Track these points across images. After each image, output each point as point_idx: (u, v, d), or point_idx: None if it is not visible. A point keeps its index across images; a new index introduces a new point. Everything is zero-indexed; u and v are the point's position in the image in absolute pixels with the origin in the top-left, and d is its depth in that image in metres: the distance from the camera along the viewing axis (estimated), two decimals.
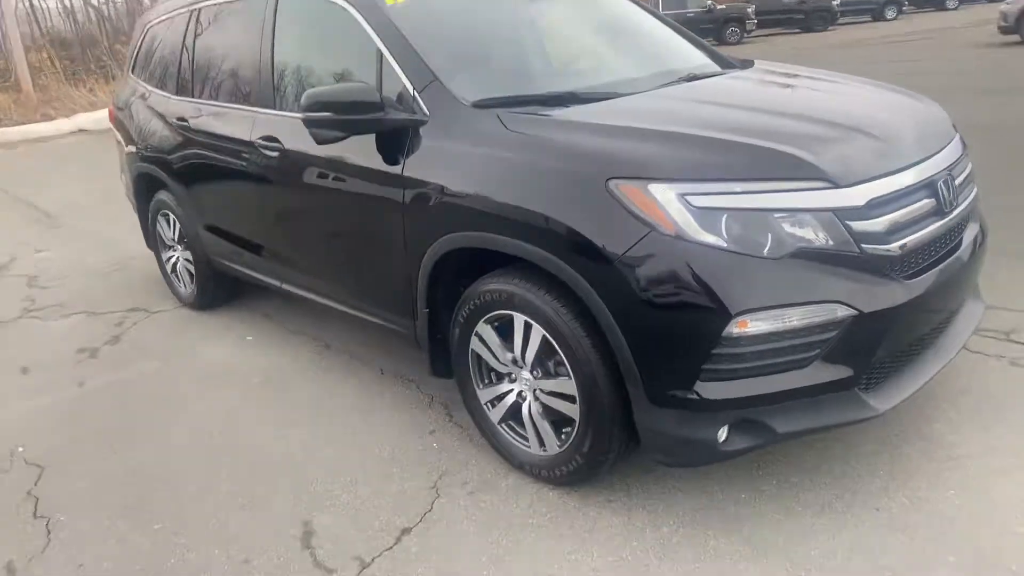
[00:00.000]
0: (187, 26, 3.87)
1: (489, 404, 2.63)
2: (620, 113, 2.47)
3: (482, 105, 2.51)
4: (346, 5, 2.87)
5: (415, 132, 2.57)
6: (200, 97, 3.76)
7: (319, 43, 3.19)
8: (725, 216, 1.99)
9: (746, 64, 3.25)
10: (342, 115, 2.55)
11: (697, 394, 2.04)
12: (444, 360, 2.80)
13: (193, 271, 4.23)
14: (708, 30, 24.68)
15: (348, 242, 2.96)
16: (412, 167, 2.55)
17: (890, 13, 29.95)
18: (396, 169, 2.59)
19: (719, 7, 25.31)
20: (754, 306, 1.96)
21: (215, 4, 3.70)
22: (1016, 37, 15.76)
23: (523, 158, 2.26)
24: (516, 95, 2.60)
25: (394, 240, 2.69)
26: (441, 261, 2.55)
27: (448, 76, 2.58)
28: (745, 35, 25.51)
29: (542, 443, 2.48)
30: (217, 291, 4.28)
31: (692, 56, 3.30)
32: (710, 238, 1.98)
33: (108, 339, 4.12)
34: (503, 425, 2.61)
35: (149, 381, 3.57)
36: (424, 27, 2.77)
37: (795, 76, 3.09)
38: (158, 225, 4.42)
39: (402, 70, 2.63)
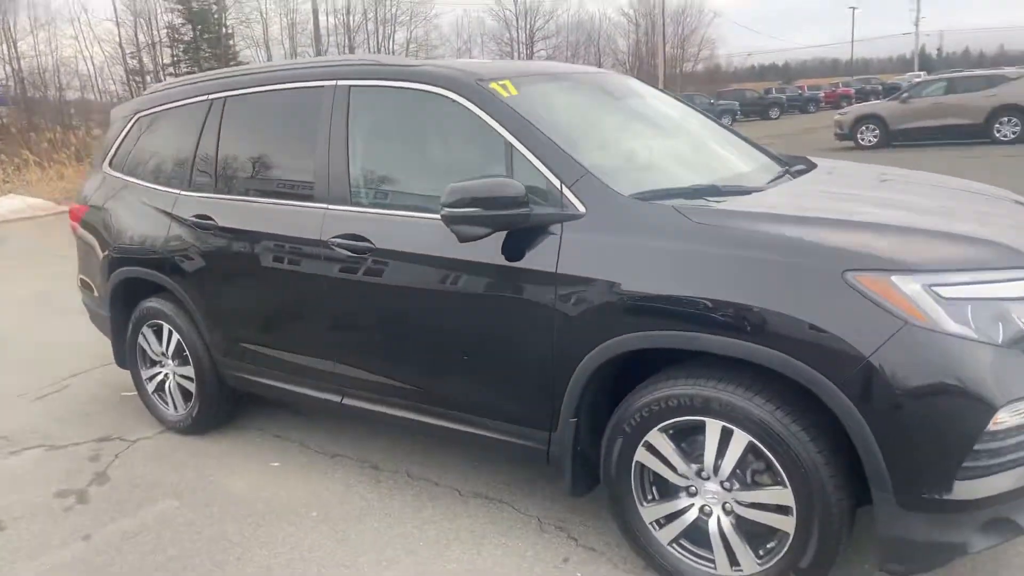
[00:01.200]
0: (206, 116, 3.48)
1: (656, 524, 2.38)
2: (792, 205, 2.43)
3: (643, 198, 2.39)
4: (456, 97, 2.68)
5: (565, 227, 2.39)
6: (229, 193, 3.36)
7: (414, 136, 2.96)
8: (970, 307, 1.95)
9: (807, 161, 3.33)
10: (490, 211, 2.33)
11: (955, 495, 1.93)
12: (584, 477, 2.54)
13: (194, 389, 3.67)
14: None
15: (465, 348, 2.66)
16: (569, 264, 2.35)
17: (725, 120, 33.32)
18: (546, 267, 2.38)
19: None
20: (1013, 398, 1.91)
21: (249, 93, 3.36)
22: (851, 143, 17.85)
23: (727, 252, 2.14)
24: (663, 188, 2.50)
25: (535, 343, 2.44)
26: (603, 365, 2.33)
27: (598, 169, 2.45)
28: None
29: (734, 562, 2.26)
30: (221, 411, 3.74)
31: (758, 153, 3.36)
32: (960, 329, 1.92)
33: (91, 478, 3.44)
34: (674, 546, 2.36)
35: (175, 526, 2.98)
36: (548, 120, 2.63)
37: (878, 171, 3.22)
38: (140, 338, 3.84)
39: (544, 164, 2.47)
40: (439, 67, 2.85)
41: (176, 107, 3.70)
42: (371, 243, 2.78)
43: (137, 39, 29.66)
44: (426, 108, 2.82)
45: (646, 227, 2.29)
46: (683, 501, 2.33)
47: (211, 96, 3.51)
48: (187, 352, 3.63)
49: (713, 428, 2.19)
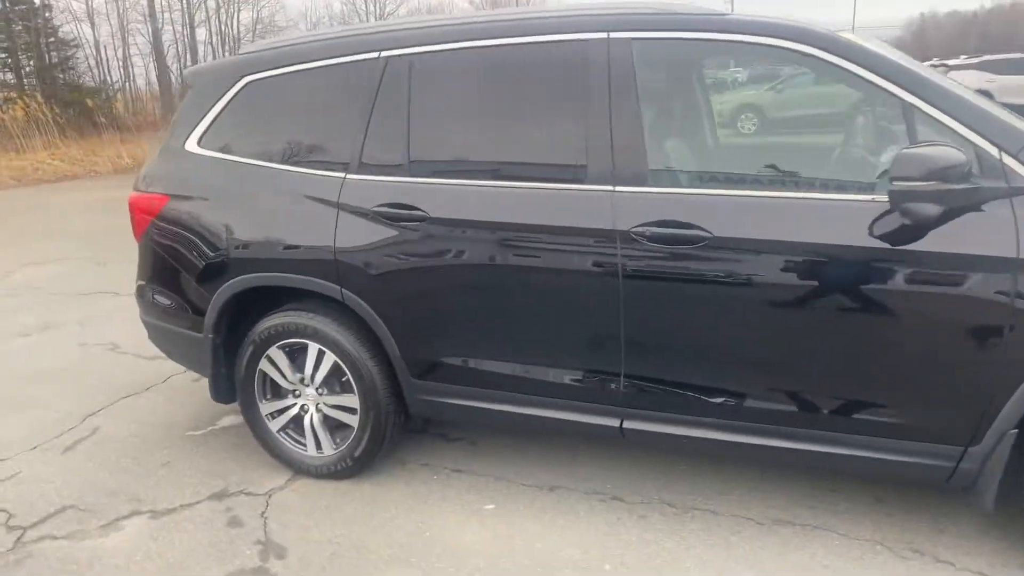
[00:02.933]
0: (380, 79, 2.74)
1: None
2: None
3: None
4: (814, 51, 2.22)
5: (1017, 203, 2.02)
6: (435, 176, 2.66)
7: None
8: None
9: None
10: (948, 184, 1.93)
11: None
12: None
13: (357, 421, 2.92)
14: None
15: (856, 355, 2.21)
16: None
17: None
18: (999, 251, 2.00)
19: None
20: None
21: (454, 50, 2.66)
22: (731, 130, 18.73)
23: None
24: None
25: (972, 344, 2.07)
26: None
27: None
28: None
29: None
30: (389, 446, 3.02)
31: None
32: None
33: (258, 549, 2.62)
34: None
35: None
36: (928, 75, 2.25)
37: None
38: (265, 363, 3.01)
39: (971, 129, 2.08)
40: (767, 17, 2.37)
41: (319, 68, 2.89)
42: (706, 231, 2.26)
43: None
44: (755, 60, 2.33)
45: None
46: None
47: (385, 53, 2.76)
48: (348, 376, 2.88)
49: None
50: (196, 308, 3.08)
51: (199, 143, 3.09)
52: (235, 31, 32.64)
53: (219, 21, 32.70)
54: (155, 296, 3.26)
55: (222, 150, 3.04)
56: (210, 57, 30.70)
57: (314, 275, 2.80)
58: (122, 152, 17.20)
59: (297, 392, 3.04)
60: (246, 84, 3.03)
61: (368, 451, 2.96)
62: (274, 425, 3.10)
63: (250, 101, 3.02)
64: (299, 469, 3.09)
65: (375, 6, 39.08)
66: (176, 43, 31.51)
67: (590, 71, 2.43)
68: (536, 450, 3.17)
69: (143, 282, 3.30)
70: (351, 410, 2.94)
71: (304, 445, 3.07)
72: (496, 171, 2.61)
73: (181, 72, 27.75)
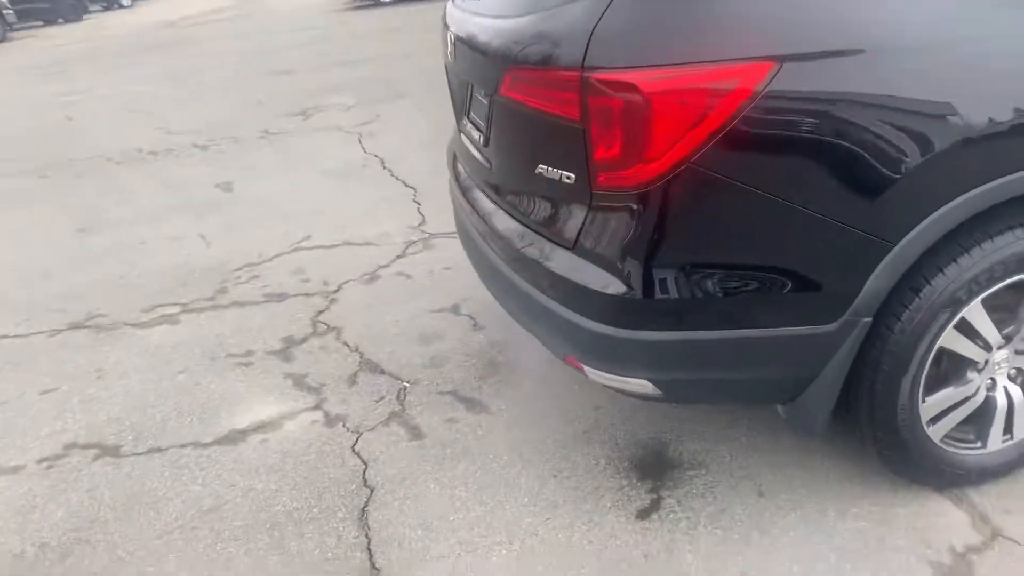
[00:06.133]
0: None
1: None
2: None
3: None
4: None
5: None
6: None
7: None
8: None
9: None
10: None
11: None
12: None
13: None
14: None
15: None
16: None
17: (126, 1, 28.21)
18: None
19: None
20: None
21: None
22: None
23: None
24: None
25: None
26: None
27: None
28: (10, 29, 20.47)
29: None
30: None
31: None
32: None
33: None
34: None
35: None
36: None
37: None
38: (948, 339, 1.74)
39: None
40: None
41: None
42: None
43: None
44: None
45: None
46: None
47: None
48: None
49: None
50: (836, 277, 1.61)
51: None
52: None
53: None
54: (714, 283, 1.62)
55: None
56: None
57: None
58: None
59: (980, 365, 1.85)
60: None
61: None
62: (936, 431, 1.87)
63: None
64: (959, 481, 1.95)
65: None
66: None
67: None
68: None
69: (680, 269, 1.60)
70: None
71: (977, 441, 1.93)
72: None
73: None
